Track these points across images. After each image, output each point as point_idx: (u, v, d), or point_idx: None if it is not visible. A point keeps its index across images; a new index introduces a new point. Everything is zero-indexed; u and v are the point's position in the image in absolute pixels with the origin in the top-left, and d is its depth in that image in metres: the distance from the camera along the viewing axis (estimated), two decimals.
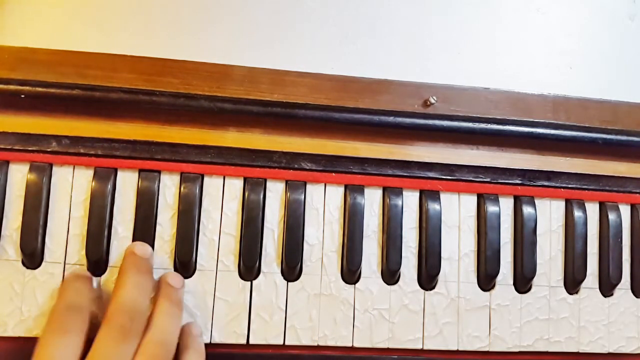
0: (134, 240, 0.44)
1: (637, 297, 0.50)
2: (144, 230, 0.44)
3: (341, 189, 0.47)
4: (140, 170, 0.45)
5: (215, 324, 0.44)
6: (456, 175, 0.49)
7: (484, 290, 0.48)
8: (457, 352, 0.47)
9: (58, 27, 0.46)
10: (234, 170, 0.46)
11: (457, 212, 0.48)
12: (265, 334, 0.45)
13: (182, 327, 0.42)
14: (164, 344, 0.39)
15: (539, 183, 0.49)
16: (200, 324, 0.44)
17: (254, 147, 0.46)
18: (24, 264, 0.43)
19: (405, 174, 0.48)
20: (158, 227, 0.44)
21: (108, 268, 0.44)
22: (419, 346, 0.46)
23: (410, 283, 0.47)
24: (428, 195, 0.48)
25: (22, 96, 0.43)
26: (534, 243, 0.48)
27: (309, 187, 0.47)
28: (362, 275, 0.46)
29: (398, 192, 0.47)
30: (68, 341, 0.37)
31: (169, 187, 0.45)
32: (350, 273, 0.46)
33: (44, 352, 0.36)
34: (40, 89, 0.44)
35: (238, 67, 0.47)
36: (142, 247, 0.43)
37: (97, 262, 0.43)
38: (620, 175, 0.51)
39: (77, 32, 0.46)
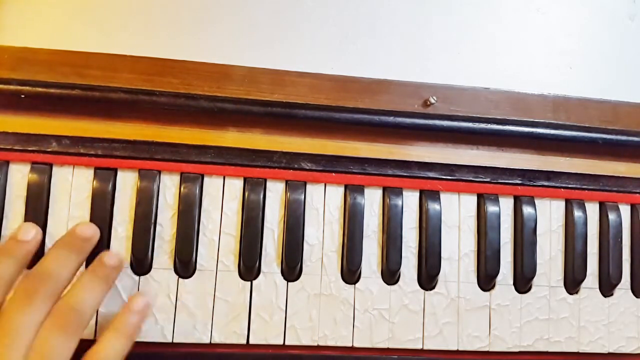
0: (133, 240, 0.44)
1: (637, 297, 0.50)
2: (144, 230, 0.44)
3: (341, 189, 0.47)
4: (140, 170, 0.45)
5: (215, 324, 0.44)
6: (456, 175, 0.49)
7: (484, 290, 0.48)
8: (457, 352, 0.47)
9: (58, 27, 0.46)
10: (234, 170, 0.46)
11: (457, 212, 0.48)
12: (265, 334, 0.45)
13: (122, 308, 0.41)
14: (76, 311, 0.38)
15: (539, 183, 0.50)
16: (200, 324, 0.44)
17: (254, 147, 0.46)
18: None
19: (405, 174, 0.48)
20: (158, 227, 0.44)
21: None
22: (419, 346, 0.46)
23: (410, 283, 0.47)
24: (428, 195, 0.48)
25: (22, 96, 0.43)
26: (534, 243, 0.48)
27: (309, 187, 0.47)
28: (362, 275, 0.46)
29: (398, 192, 0.47)
30: (33, 308, 0.37)
31: (169, 187, 0.45)
32: (350, 273, 0.46)
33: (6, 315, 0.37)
34: (40, 89, 0.44)
35: (238, 67, 0.47)
36: (83, 227, 0.42)
37: None
38: (620, 175, 0.51)
39: (77, 32, 0.46)
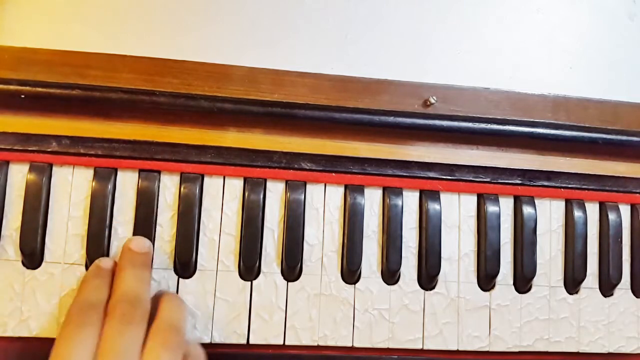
0: None
1: (637, 297, 0.50)
2: (144, 230, 0.44)
3: (341, 189, 0.47)
4: (140, 170, 0.45)
5: (216, 324, 0.44)
6: (456, 175, 0.49)
7: (484, 290, 0.48)
8: (457, 352, 0.47)
9: (58, 27, 0.46)
10: (234, 170, 0.46)
11: (457, 212, 0.48)
12: (266, 334, 0.45)
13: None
14: (176, 329, 0.39)
15: (539, 183, 0.49)
16: (200, 324, 0.44)
17: (254, 147, 0.46)
18: (24, 264, 0.43)
19: (405, 174, 0.48)
20: (158, 228, 0.44)
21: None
22: (419, 346, 0.46)
23: (410, 283, 0.47)
24: (428, 195, 0.48)
25: (22, 96, 0.43)
26: (534, 243, 0.48)
27: (309, 187, 0.47)
28: (362, 275, 0.46)
29: (398, 192, 0.47)
30: (84, 335, 0.37)
31: (169, 187, 0.45)
32: (350, 273, 0.46)
33: (62, 345, 0.37)
34: (40, 89, 0.44)
35: (238, 67, 0.47)
36: (137, 242, 0.43)
37: None
38: (620, 175, 0.51)
39: (77, 32, 0.46)
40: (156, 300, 0.41)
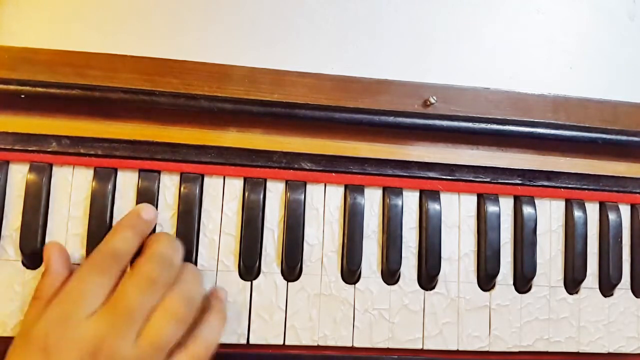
0: None
1: (637, 297, 0.50)
2: None
3: (341, 189, 0.47)
4: (140, 170, 0.45)
5: None
6: (456, 175, 0.49)
7: (484, 290, 0.48)
8: (457, 352, 0.47)
9: (58, 27, 0.46)
10: (234, 170, 0.46)
11: (457, 212, 0.48)
12: (266, 334, 0.45)
13: (210, 289, 0.44)
14: (188, 300, 0.40)
15: (539, 183, 0.49)
16: None
17: (254, 147, 0.46)
18: (24, 264, 0.43)
19: (405, 174, 0.48)
20: (158, 227, 0.44)
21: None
22: (419, 346, 0.46)
23: (410, 283, 0.47)
24: (428, 195, 0.48)
25: (22, 96, 0.43)
26: (534, 243, 0.48)
27: (309, 187, 0.47)
28: (362, 275, 0.46)
29: (398, 192, 0.47)
30: (101, 281, 0.38)
31: (169, 187, 0.45)
32: (350, 273, 0.46)
33: (77, 284, 0.38)
34: (40, 89, 0.44)
35: (238, 67, 0.47)
36: (147, 210, 0.43)
37: None
38: (620, 175, 0.51)
39: (77, 32, 0.46)
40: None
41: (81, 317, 0.37)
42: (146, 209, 0.43)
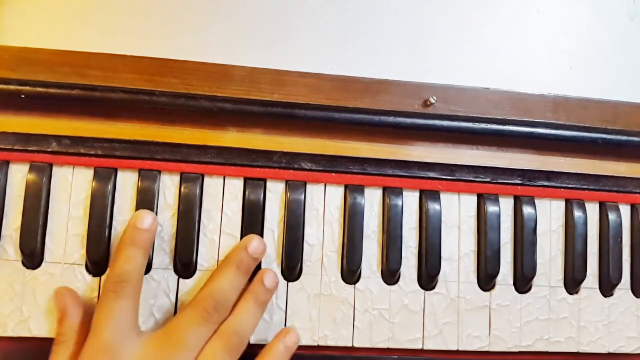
0: None
1: (637, 297, 0.50)
2: None
3: (341, 189, 0.47)
4: (140, 170, 0.45)
5: None
6: (456, 175, 0.49)
7: (484, 290, 0.48)
8: (457, 352, 0.47)
9: (58, 27, 0.46)
10: (234, 170, 0.46)
11: (457, 212, 0.48)
12: (266, 334, 0.45)
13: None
14: (240, 335, 0.41)
15: (539, 183, 0.49)
16: None
17: (254, 147, 0.46)
18: (24, 264, 0.43)
19: (405, 174, 0.48)
20: (158, 227, 0.44)
21: (108, 268, 0.44)
22: (419, 346, 0.46)
23: (410, 283, 0.47)
24: (428, 195, 0.48)
25: (22, 96, 0.43)
26: (534, 243, 0.48)
27: (309, 187, 0.47)
28: (362, 275, 0.46)
29: (398, 192, 0.47)
30: (121, 306, 0.39)
31: (169, 187, 0.45)
32: (350, 273, 0.46)
33: (100, 316, 0.39)
34: (40, 89, 0.44)
35: (238, 67, 0.47)
36: (256, 244, 0.43)
37: (98, 262, 0.43)
38: (620, 175, 0.51)
39: (77, 32, 0.46)
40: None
41: (133, 339, 0.39)
42: (255, 242, 0.44)
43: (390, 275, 0.47)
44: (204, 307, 0.40)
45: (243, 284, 0.43)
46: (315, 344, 0.45)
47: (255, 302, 0.43)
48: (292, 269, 0.45)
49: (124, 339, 0.39)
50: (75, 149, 0.44)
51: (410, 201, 0.48)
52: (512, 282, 0.48)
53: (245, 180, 0.46)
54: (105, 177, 0.44)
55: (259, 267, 0.45)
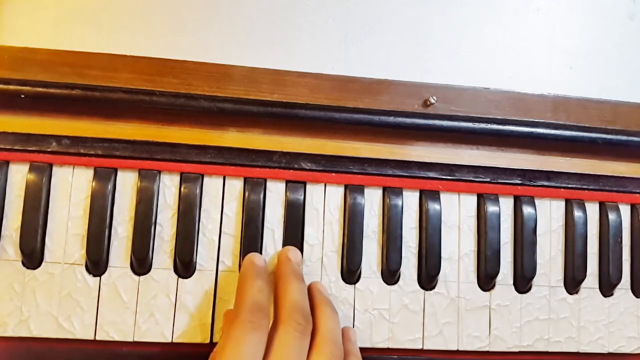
0: (133, 241, 0.44)
1: (637, 297, 0.50)
2: (144, 230, 0.44)
3: (341, 189, 0.47)
4: (140, 170, 0.45)
5: (216, 324, 0.44)
6: (456, 175, 0.49)
7: (484, 290, 0.48)
8: (457, 352, 0.47)
9: (58, 27, 0.46)
10: (234, 170, 0.46)
11: (457, 212, 0.48)
12: None
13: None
14: (337, 344, 0.41)
15: (539, 183, 0.50)
16: (200, 324, 0.44)
17: (254, 147, 0.46)
18: (24, 264, 0.43)
19: (405, 174, 0.48)
20: (158, 227, 0.44)
21: (108, 268, 0.44)
22: (419, 346, 0.46)
23: (410, 283, 0.47)
24: (428, 195, 0.48)
25: (22, 96, 0.43)
26: (534, 243, 0.48)
27: (309, 187, 0.47)
28: (362, 275, 0.46)
29: (398, 192, 0.47)
30: (257, 338, 0.38)
31: (168, 187, 0.45)
32: (350, 273, 0.46)
33: (235, 347, 0.38)
34: (40, 89, 0.44)
35: (238, 67, 0.47)
36: (294, 253, 0.45)
37: (98, 262, 0.43)
38: (620, 175, 0.51)
39: (77, 32, 0.46)
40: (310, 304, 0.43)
41: None
42: (293, 252, 0.45)
43: (390, 275, 0.47)
44: (296, 322, 0.40)
45: (306, 290, 0.43)
46: None
47: (331, 308, 0.43)
48: None
49: None
50: (75, 149, 0.44)
51: (410, 201, 0.48)
52: (512, 282, 0.48)
53: (245, 180, 0.46)
54: (105, 177, 0.44)
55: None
